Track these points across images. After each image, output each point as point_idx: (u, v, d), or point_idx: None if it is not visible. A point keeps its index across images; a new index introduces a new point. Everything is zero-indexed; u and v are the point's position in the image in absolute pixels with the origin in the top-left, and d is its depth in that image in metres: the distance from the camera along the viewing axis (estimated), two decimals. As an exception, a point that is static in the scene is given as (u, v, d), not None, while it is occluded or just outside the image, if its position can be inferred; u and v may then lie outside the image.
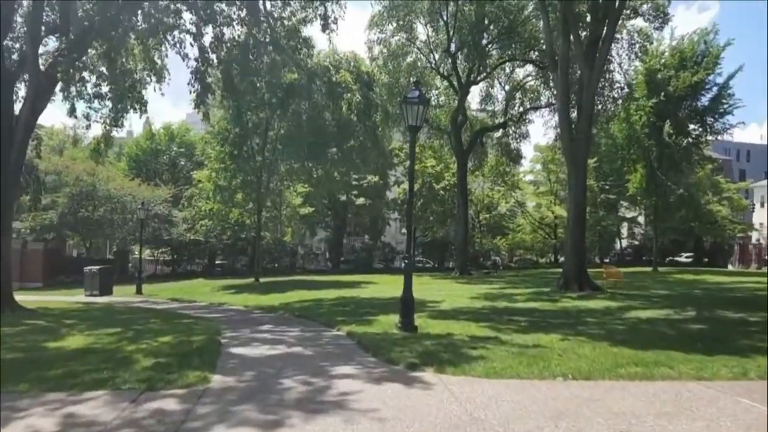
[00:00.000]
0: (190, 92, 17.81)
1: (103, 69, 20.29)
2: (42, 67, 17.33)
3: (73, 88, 20.07)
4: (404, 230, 47.24)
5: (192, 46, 18.52)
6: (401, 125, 31.72)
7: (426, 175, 39.58)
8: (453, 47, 31.11)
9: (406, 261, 10.52)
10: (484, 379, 5.93)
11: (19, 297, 25.15)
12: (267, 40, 19.13)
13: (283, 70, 22.25)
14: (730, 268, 35.86)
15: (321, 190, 32.39)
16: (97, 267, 26.20)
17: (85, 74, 20.15)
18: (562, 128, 18.86)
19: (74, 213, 33.38)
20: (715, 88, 31.43)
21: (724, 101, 31.16)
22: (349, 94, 26.55)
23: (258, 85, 22.54)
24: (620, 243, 45.04)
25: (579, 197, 18.09)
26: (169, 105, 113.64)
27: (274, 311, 15.66)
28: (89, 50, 19.30)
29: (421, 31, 32.29)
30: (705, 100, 31.66)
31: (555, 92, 30.48)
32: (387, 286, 24.18)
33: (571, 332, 9.20)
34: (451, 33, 30.54)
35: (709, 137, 32.57)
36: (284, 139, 27.97)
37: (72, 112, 19.83)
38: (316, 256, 42.49)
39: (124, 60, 20.72)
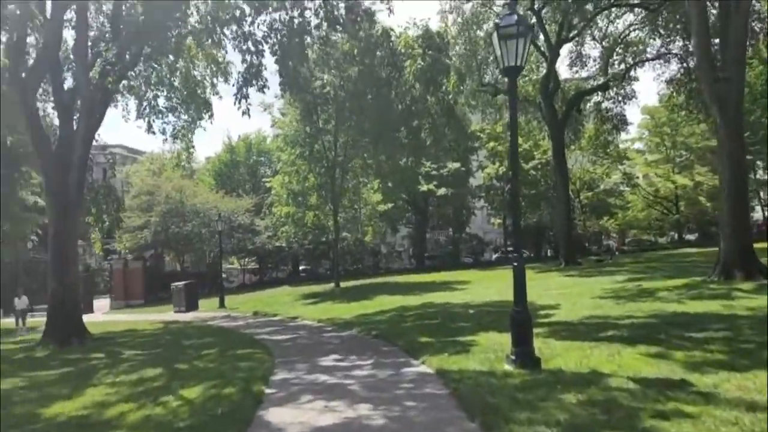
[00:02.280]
0: (238, 90, 15.71)
1: (171, 80, 19.40)
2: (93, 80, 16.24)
3: (145, 105, 19.35)
4: (493, 220, 43.16)
5: (237, 36, 16.49)
6: (481, 100, 28.09)
7: (514, 155, 35.33)
8: (537, 3, 26.78)
9: (515, 261, 7.21)
10: None
11: (116, 317, 25.58)
12: (320, 16, 16.72)
13: (338, 49, 19.69)
14: None
15: (392, 182, 29.45)
16: (183, 283, 25.95)
17: (158, 90, 19.35)
18: (701, 66, 14.22)
19: (166, 230, 33.71)
20: None
21: None
22: (410, 61, 23.00)
23: (316, 69, 20.26)
24: (763, 212, 37.29)
25: (735, 153, 13.45)
26: (254, 119, 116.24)
27: (349, 328, 13.08)
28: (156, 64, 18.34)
29: (499, -8, 28.31)
30: None
31: (672, 34, 25.31)
32: (479, 286, 20.88)
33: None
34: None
35: None
36: (351, 129, 25.40)
37: (149, 128, 19.00)
38: (399, 254, 39.91)
39: (183, 63, 19.68)
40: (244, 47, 16.12)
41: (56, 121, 16.31)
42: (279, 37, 16.26)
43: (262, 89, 16.50)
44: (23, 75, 14.44)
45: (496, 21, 7.48)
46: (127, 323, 20.89)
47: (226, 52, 19.23)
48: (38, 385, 8.44)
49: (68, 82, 16.66)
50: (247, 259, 39.18)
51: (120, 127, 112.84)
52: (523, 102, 30.42)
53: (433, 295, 18.79)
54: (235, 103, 15.26)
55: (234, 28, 16.60)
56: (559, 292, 15.05)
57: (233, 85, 16.62)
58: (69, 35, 16.43)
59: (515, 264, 7.15)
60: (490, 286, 19.96)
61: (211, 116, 19.91)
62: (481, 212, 44.31)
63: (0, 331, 18.18)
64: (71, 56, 16.46)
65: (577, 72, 31.46)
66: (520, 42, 6.99)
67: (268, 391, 6.86)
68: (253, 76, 15.75)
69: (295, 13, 16.02)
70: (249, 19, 16.25)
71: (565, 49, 30.43)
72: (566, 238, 27.72)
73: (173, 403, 6.53)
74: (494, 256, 40.77)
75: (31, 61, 15.14)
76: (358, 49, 20.20)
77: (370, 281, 28.85)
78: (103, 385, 8.06)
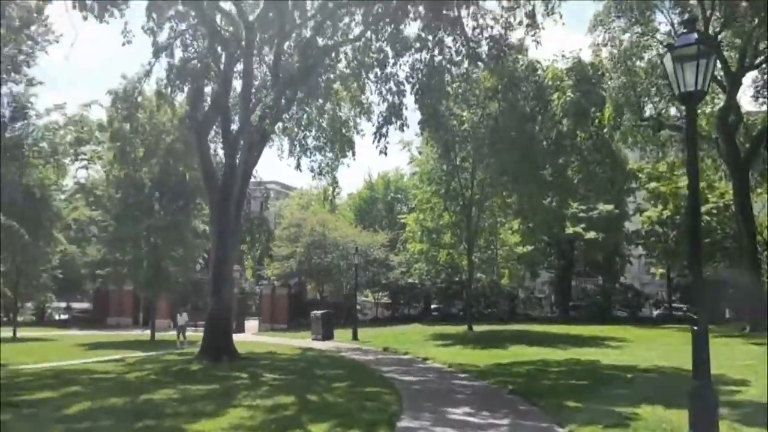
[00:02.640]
0: (377, 129, 16.16)
1: (320, 121, 21.03)
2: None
3: (296, 145, 21.16)
4: (653, 270, 38.09)
5: (380, 78, 17.07)
6: (640, 135, 25.35)
7: (681, 198, 31.00)
8: (713, 27, 23.63)
9: (695, 323, 5.81)
10: None
11: (262, 338, 27.55)
12: (462, 53, 16.62)
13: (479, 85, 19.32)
14: None
15: (534, 222, 27.56)
16: (321, 312, 26.92)
17: (307, 130, 21.10)
18: None
19: (309, 260, 35.87)
20: None
21: None
22: (558, 94, 21.32)
23: (455, 106, 20.13)
24: None
25: None
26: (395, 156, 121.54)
27: (482, 377, 12.10)
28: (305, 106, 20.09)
29: (662, 20, 25.72)
30: None
31: None
32: (638, 346, 18.13)
33: None
34: (709, 11, 23.21)
35: None
36: (490, 167, 24.51)
37: (297, 166, 20.67)
38: (539, 300, 37.09)
39: (330, 106, 21.18)
40: (386, 88, 16.71)
41: (223, 159, 18.39)
42: (419, 76, 16.53)
43: (401, 128, 16.86)
44: (199, 119, 16.64)
45: (670, 42, 6.47)
46: (270, 346, 22.29)
47: (370, 94, 20.06)
48: (188, 399, 9.04)
49: (233, 126, 18.87)
50: (380, 293, 39.77)
51: (275, 165, 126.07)
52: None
53: (581, 350, 16.76)
54: (373, 142, 15.75)
55: (377, 71, 17.35)
56: (746, 363, 12.27)
57: (373, 125, 17.22)
58: (236, 84, 18.59)
59: (695, 327, 5.77)
60: (651, 348, 17.23)
61: (353, 154, 20.87)
62: (639, 261, 39.38)
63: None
64: (238, 102, 18.57)
65: (763, 103, 26.84)
66: (701, 63, 5.90)
67: (392, 439, 6.39)
68: (393, 114, 16.13)
69: (436, 52, 16.19)
70: (391, 62, 16.88)
71: (748, 78, 26.25)
72: (754, 298, 23.03)
73: (298, 438, 6.40)
74: (655, 312, 35.71)
75: (205, 108, 17.40)
76: (501, 84, 19.65)
77: (506, 327, 27.08)
78: (242, 407, 8.32)
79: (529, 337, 21.99)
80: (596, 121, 22.48)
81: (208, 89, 18.24)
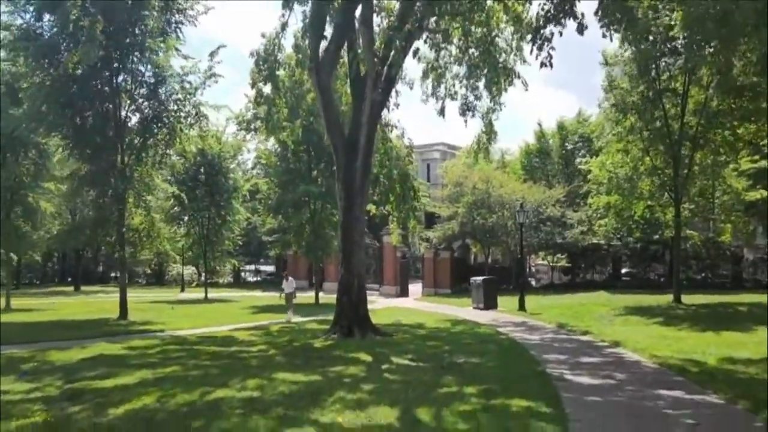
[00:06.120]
0: (535, 31, 11.74)
1: (467, 44, 17.03)
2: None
3: (441, 88, 17.80)
4: None
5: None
6: None
7: None
8: None
9: None
10: None
11: (420, 305, 25.72)
12: None
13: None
14: None
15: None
16: (482, 278, 24.12)
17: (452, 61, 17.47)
18: None
19: (471, 221, 32.98)
20: None
21: None
22: None
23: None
24: None
25: None
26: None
27: (708, 385, 7.68)
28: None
29: None
30: None
31: None
32: None
33: None
34: None
35: None
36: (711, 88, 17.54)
37: (441, 112, 17.47)
38: (776, 262, 27.98)
39: (480, 30, 16.98)
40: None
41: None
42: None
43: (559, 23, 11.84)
44: (320, 57, 14.40)
45: None
46: (423, 315, 20.25)
47: (530, 4, 15.24)
48: (261, 403, 6.77)
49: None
50: (557, 256, 34.65)
51: (442, 125, 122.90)
52: None
53: None
54: (531, 51, 11.48)
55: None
56: None
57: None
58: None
59: None
60: None
61: (511, 83, 16.39)
62: None
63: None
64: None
65: None
66: None
67: None
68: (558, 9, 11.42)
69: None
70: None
71: None
72: None
73: None
74: None
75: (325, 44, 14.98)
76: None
77: (730, 298, 20.32)
78: (317, 427, 5.80)
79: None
80: None
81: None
